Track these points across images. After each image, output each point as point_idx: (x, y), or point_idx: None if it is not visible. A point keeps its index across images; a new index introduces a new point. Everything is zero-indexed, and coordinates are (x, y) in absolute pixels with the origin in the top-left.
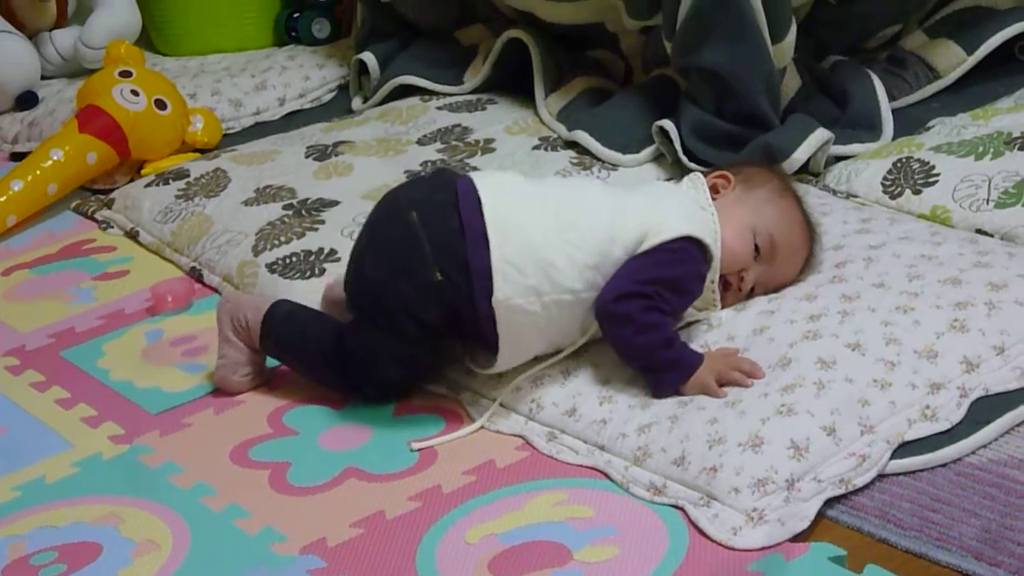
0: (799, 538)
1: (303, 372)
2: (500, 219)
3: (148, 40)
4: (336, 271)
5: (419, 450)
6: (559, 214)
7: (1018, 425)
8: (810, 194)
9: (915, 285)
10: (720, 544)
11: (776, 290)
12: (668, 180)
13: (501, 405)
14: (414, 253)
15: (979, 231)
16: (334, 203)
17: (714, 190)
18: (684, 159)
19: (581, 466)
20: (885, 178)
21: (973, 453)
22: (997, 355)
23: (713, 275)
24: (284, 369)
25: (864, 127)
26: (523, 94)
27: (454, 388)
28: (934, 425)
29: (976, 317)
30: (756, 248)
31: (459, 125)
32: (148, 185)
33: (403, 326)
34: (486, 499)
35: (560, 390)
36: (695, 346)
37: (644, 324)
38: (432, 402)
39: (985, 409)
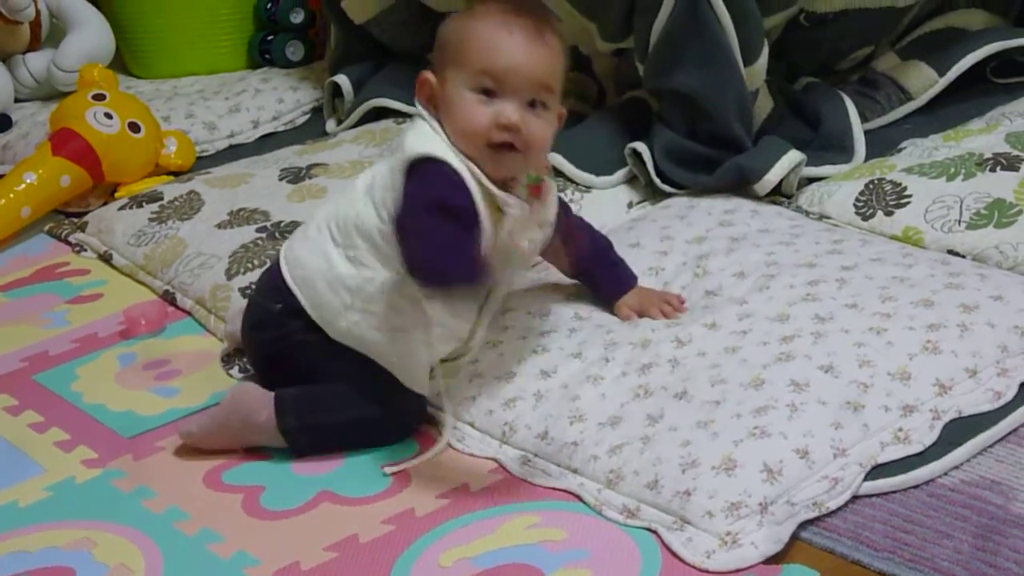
0: (772, 560)
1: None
2: (295, 273)
3: (122, 63)
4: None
5: (392, 474)
6: (331, 228)
7: (990, 446)
8: (782, 216)
9: (888, 307)
10: (694, 567)
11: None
12: (641, 203)
13: (475, 428)
14: (256, 309)
15: (951, 252)
16: None
17: (431, 103)
18: (657, 181)
19: (554, 489)
20: (857, 199)
21: (946, 475)
22: (970, 377)
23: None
24: None
25: (836, 149)
26: None
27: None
28: (907, 448)
29: (949, 339)
30: (485, 93)
31: None
32: (122, 208)
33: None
34: (460, 522)
35: (532, 412)
36: (665, 364)
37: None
38: None
39: (958, 431)
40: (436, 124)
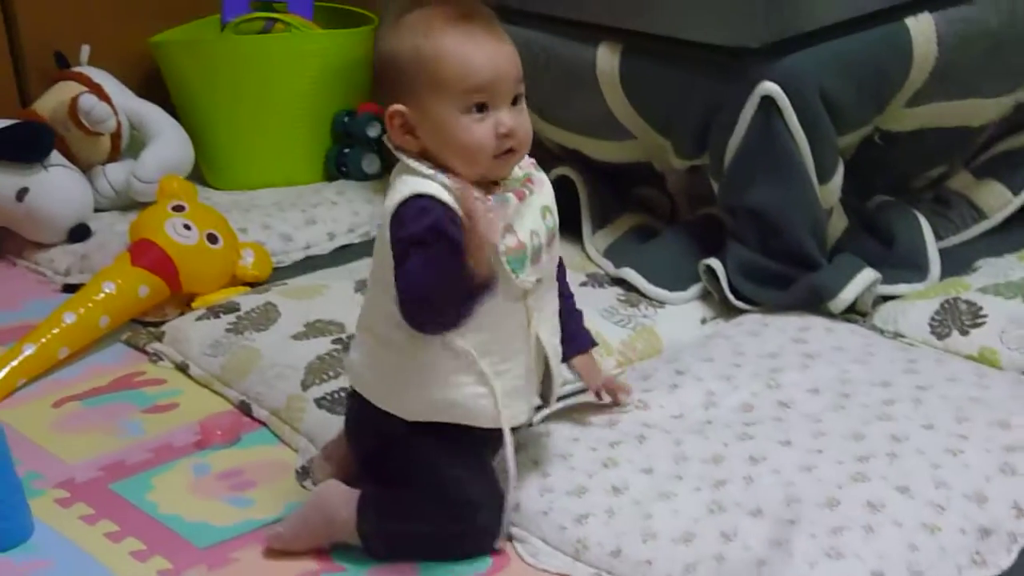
0: None
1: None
2: (354, 376)
3: (199, 174)
4: None
5: None
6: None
7: None
8: (857, 334)
9: (964, 427)
10: None
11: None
12: (714, 319)
13: (547, 543)
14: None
15: None
16: None
17: (408, 134)
18: (731, 297)
19: None
20: (932, 318)
21: None
22: None
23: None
24: None
25: (911, 267)
26: (570, 231)
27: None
28: (984, 571)
29: None
30: (475, 108)
31: None
32: (199, 319)
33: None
34: None
35: (604, 529)
36: (739, 480)
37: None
38: None
39: None
40: (412, 161)
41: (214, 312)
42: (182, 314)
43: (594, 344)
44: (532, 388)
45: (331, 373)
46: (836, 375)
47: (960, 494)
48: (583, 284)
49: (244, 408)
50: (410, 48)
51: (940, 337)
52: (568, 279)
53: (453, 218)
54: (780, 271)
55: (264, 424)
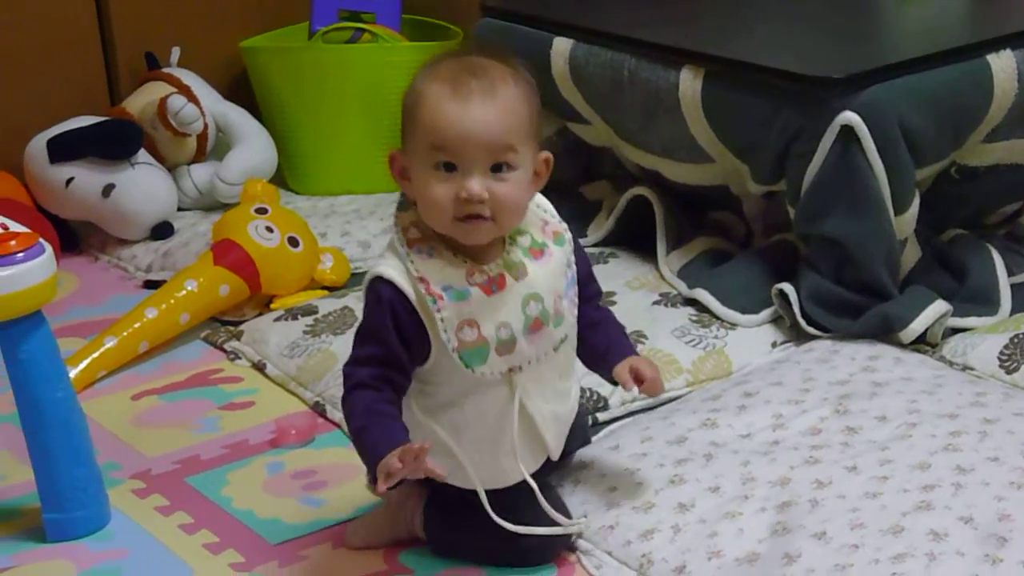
0: None
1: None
2: None
3: (282, 178)
4: None
5: None
6: None
7: None
8: (926, 365)
9: None
10: None
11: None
12: (785, 343)
13: (612, 557)
14: None
15: None
16: None
17: (405, 179)
18: (802, 323)
19: None
20: (1002, 352)
21: None
22: None
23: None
24: None
25: (982, 301)
26: (644, 250)
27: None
28: None
29: None
30: (442, 166)
31: None
32: (277, 319)
33: None
34: None
35: (670, 546)
36: (804, 503)
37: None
38: None
39: None
40: (395, 234)
41: (292, 314)
42: (260, 314)
43: (633, 351)
44: (526, 451)
45: None
46: (904, 405)
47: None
48: (655, 303)
49: (318, 409)
50: (409, 92)
51: (1009, 371)
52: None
53: (398, 318)
54: (852, 299)
55: (338, 426)
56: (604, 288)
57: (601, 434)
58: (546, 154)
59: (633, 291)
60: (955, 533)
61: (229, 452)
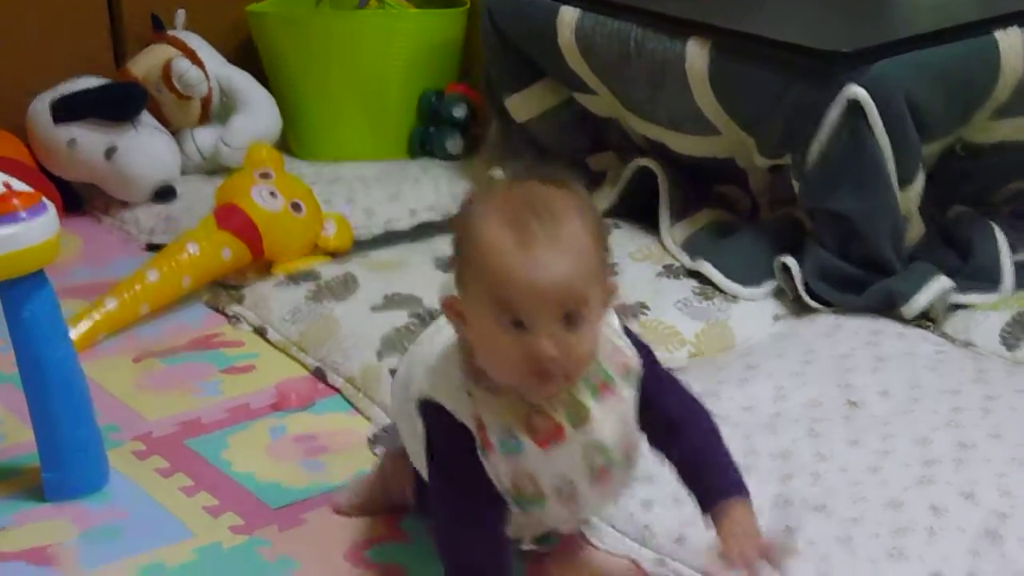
0: None
1: None
2: None
3: (286, 143)
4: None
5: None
6: None
7: None
8: (928, 340)
9: None
10: None
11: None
12: (786, 316)
13: (614, 528)
14: None
15: None
16: None
17: (460, 320)
18: (805, 297)
19: None
20: (1004, 330)
21: None
22: None
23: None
24: None
25: (985, 278)
26: (648, 222)
27: None
28: None
29: None
30: (511, 323)
31: None
32: (279, 284)
33: None
34: None
35: (670, 516)
36: (806, 476)
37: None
38: None
39: None
40: (455, 350)
41: (295, 279)
42: (262, 279)
43: (741, 492)
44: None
45: (407, 345)
46: (906, 379)
47: None
48: (659, 275)
49: (319, 375)
50: (463, 227)
51: (1010, 348)
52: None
53: (458, 447)
54: (856, 274)
55: (338, 391)
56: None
57: None
58: (613, 283)
59: (637, 262)
60: (955, 508)
61: (230, 416)
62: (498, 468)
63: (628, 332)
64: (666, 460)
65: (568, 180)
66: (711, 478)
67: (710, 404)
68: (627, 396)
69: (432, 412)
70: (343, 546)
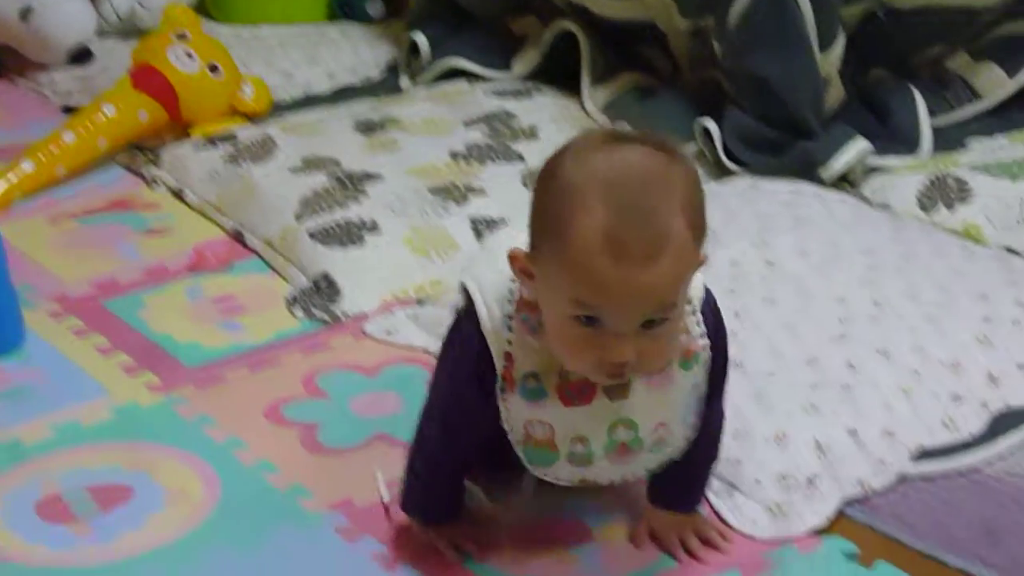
0: (815, 532)
1: None
2: None
3: (204, 6)
4: (375, 241)
5: None
6: None
7: None
8: (846, 203)
9: (944, 297)
10: (740, 533)
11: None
12: (706, 180)
13: None
14: None
15: (1009, 250)
16: (378, 177)
17: (526, 277)
18: (724, 159)
19: None
20: (920, 192)
21: (990, 464)
22: (1020, 371)
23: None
24: (320, 337)
25: (903, 142)
26: (569, 85)
27: None
28: (954, 435)
29: (1002, 333)
30: (584, 319)
31: (505, 110)
32: (196, 147)
33: None
34: None
35: None
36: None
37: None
38: None
39: (1005, 423)
40: (512, 286)
41: (212, 142)
42: (180, 142)
43: (690, 510)
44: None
45: (325, 207)
46: (823, 240)
47: (936, 360)
48: None
49: (238, 236)
50: (557, 200)
51: (927, 210)
52: None
53: (482, 380)
54: (775, 137)
55: (257, 253)
56: (528, 123)
57: None
58: (703, 256)
59: (557, 125)
60: (870, 364)
61: (147, 277)
62: (512, 410)
63: (709, 310)
64: None
65: (674, 145)
66: (676, 488)
67: None
68: (682, 381)
69: (465, 317)
70: (261, 404)
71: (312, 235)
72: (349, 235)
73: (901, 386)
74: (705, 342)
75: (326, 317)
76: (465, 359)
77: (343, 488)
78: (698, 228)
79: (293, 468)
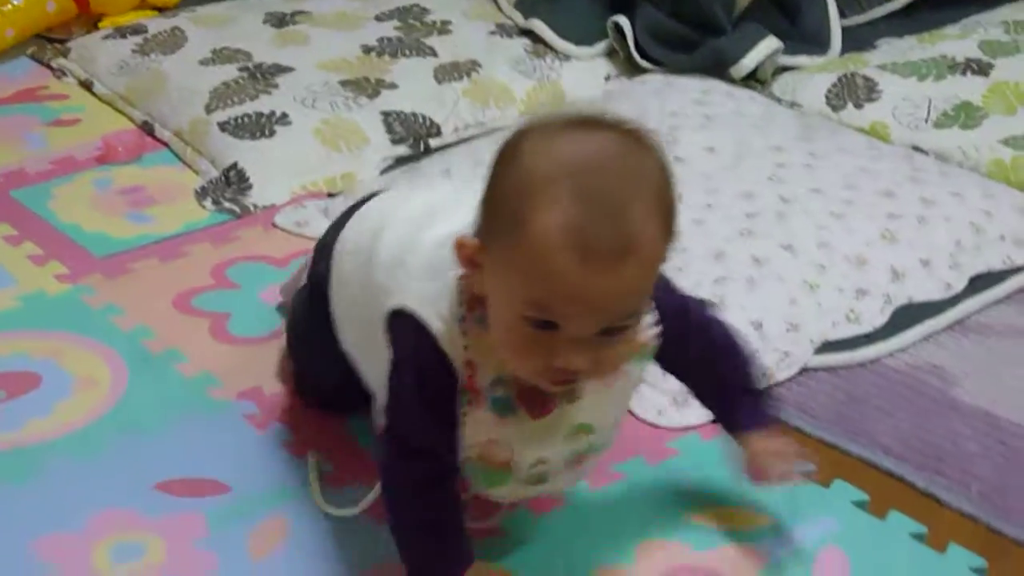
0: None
1: None
2: None
3: None
4: (286, 133)
5: None
6: None
7: (937, 334)
8: (755, 101)
9: (850, 194)
10: (644, 422)
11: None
12: (618, 76)
13: None
14: None
15: (916, 149)
16: (289, 70)
17: (472, 267)
18: (636, 56)
19: None
20: (829, 91)
21: (892, 356)
22: (923, 267)
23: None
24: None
25: (813, 41)
26: None
27: None
28: (857, 328)
29: (906, 229)
30: (538, 324)
31: (417, 5)
32: (105, 38)
33: None
34: None
35: None
36: None
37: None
38: None
39: (907, 317)
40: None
41: (121, 32)
42: (88, 33)
43: (767, 423)
44: None
45: (236, 99)
46: (733, 137)
47: (841, 255)
48: (492, 33)
49: (147, 128)
50: (513, 190)
51: (835, 109)
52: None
53: (434, 383)
54: (687, 34)
55: (166, 145)
56: (441, 17)
57: (433, 159)
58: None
59: (470, 20)
60: (776, 259)
61: (55, 167)
62: (477, 427)
63: (663, 292)
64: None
65: (644, 130)
66: (738, 411)
67: None
68: (632, 372)
69: (409, 330)
70: (170, 294)
71: (222, 127)
72: (259, 127)
73: (806, 280)
74: (656, 331)
75: (236, 209)
76: (424, 381)
77: (252, 377)
78: (669, 229)
79: (202, 357)
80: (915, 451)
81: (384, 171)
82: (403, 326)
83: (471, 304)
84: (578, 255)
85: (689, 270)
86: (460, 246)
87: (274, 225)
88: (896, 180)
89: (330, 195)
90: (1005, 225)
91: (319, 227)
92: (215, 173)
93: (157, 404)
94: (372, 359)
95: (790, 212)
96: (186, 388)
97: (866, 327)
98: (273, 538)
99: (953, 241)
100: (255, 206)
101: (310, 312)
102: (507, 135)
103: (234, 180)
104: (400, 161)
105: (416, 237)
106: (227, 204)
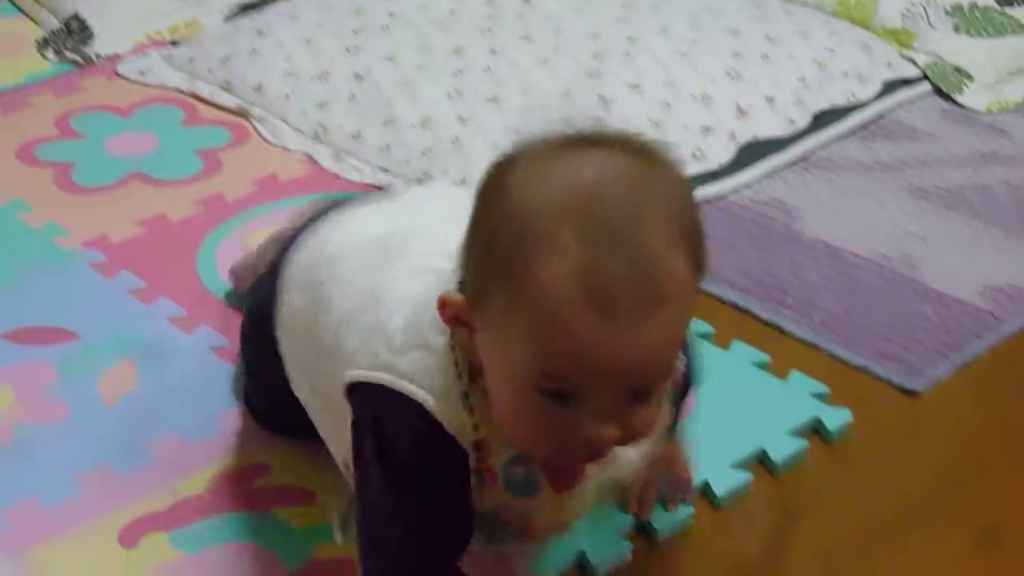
0: None
1: None
2: None
3: None
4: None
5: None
6: None
7: (781, 169)
8: None
9: (696, 34)
10: None
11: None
12: None
13: (288, 124)
14: None
15: None
16: None
17: (459, 327)
18: None
19: (363, 183)
20: None
21: (737, 192)
22: (767, 104)
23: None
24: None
25: None
26: None
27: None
28: (703, 165)
29: (751, 67)
30: (549, 394)
31: None
32: None
33: None
34: (268, 208)
35: (345, 114)
36: (479, 71)
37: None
38: (220, 116)
39: (752, 153)
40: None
41: None
42: None
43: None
44: None
45: None
46: None
47: (687, 94)
48: None
49: None
50: (511, 236)
51: None
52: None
53: (442, 467)
54: None
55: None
56: None
57: (279, 5)
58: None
59: None
60: (622, 99)
61: None
62: (491, 502)
63: None
64: None
65: (654, 146)
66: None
67: (385, 4)
68: (665, 410)
69: (396, 407)
70: (12, 145)
71: None
72: None
73: (652, 118)
74: (683, 362)
75: (78, 59)
76: (431, 453)
77: (99, 225)
78: (699, 262)
79: (47, 207)
80: (759, 284)
81: (228, 18)
82: (386, 399)
83: (473, 374)
84: (594, 311)
85: (536, 109)
86: (443, 305)
87: (118, 74)
88: (741, 18)
89: (173, 43)
90: (849, 62)
91: (163, 75)
92: (56, 23)
93: (1, 254)
94: (329, 422)
95: (636, 52)
96: (31, 238)
97: (712, 164)
98: (123, 382)
99: (797, 78)
100: (98, 56)
101: (255, 336)
102: (489, 165)
103: (76, 30)
104: (245, 8)
105: (377, 284)
106: (69, 54)
